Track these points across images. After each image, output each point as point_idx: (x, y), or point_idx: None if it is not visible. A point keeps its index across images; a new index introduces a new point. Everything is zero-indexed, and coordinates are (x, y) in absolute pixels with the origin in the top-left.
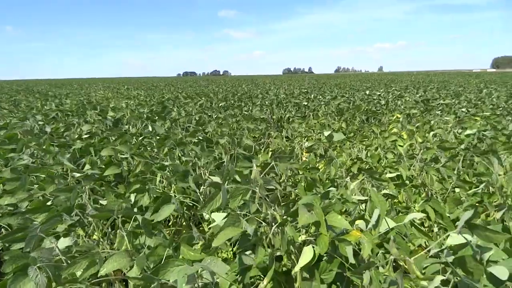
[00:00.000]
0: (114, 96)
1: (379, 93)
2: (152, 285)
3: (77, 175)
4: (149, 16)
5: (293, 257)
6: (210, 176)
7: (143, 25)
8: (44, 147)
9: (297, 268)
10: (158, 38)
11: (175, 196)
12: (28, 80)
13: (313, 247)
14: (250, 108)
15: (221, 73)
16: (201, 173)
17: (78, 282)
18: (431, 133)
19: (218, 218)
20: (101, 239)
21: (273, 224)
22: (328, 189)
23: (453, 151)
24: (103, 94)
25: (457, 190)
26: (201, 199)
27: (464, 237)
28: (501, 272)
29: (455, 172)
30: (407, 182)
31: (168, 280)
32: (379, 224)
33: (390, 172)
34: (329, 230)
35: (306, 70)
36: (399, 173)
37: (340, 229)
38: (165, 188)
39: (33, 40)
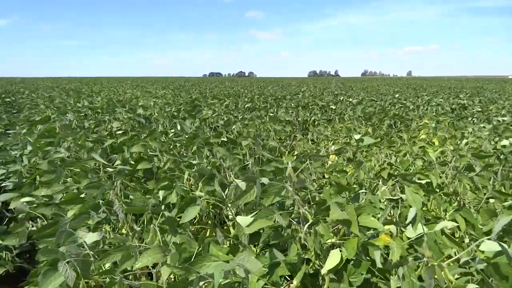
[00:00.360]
0: (142, 94)
1: (408, 98)
2: (190, 278)
3: (109, 170)
4: (176, 16)
5: (321, 258)
6: (234, 179)
7: (170, 25)
8: (79, 142)
9: (324, 270)
10: (185, 39)
11: (199, 197)
12: (62, 78)
13: (340, 250)
14: (276, 110)
15: (247, 74)
16: (226, 175)
17: (112, 275)
18: (464, 140)
19: (243, 221)
20: (130, 234)
21: (304, 223)
22: (358, 192)
23: (488, 161)
24: (132, 93)
25: (491, 200)
26: (226, 201)
27: (500, 244)
28: None
29: (490, 182)
30: (437, 190)
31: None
32: (416, 222)
33: (420, 179)
34: (361, 232)
35: (332, 73)
36: (429, 180)
37: (371, 233)
38: (192, 186)
39: (64, 38)
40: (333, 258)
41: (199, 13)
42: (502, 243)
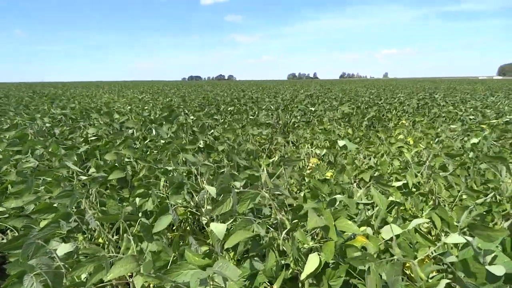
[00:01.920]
0: (119, 99)
1: (384, 99)
2: (167, 286)
3: (83, 178)
4: (155, 20)
5: (300, 263)
6: (205, 185)
7: (149, 29)
8: (50, 149)
9: (303, 276)
10: (164, 42)
11: (172, 205)
12: (36, 83)
13: (318, 254)
14: (256, 113)
15: (226, 77)
16: (198, 181)
17: (84, 287)
18: (436, 139)
19: (217, 228)
20: (107, 243)
21: (282, 229)
22: (334, 197)
23: (460, 159)
24: (109, 97)
25: (465, 197)
26: (200, 208)
27: (464, 238)
28: (497, 269)
29: (463, 180)
30: (414, 190)
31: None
32: (378, 220)
33: (397, 180)
34: (338, 236)
35: (311, 75)
36: (405, 181)
37: (347, 235)
38: (169, 193)
39: (39, 43)
40: (312, 263)
41: (178, 17)
42: (467, 237)
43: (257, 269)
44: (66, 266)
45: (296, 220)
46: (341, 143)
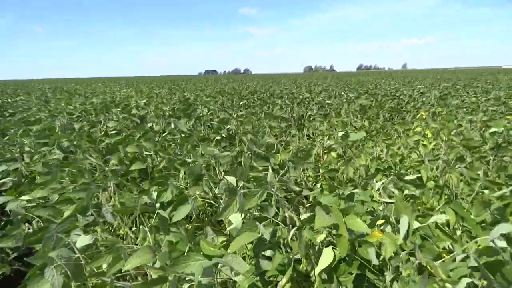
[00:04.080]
0: (137, 94)
1: (403, 91)
2: (170, 277)
3: (105, 169)
4: (171, 15)
5: (312, 258)
6: (225, 176)
7: (163, 24)
8: (75, 143)
9: (317, 271)
10: (179, 37)
11: (191, 196)
12: (56, 79)
13: (333, 248)
14: (271, 107)
15: (242, 71)
16: (216, 173)
17: (103, 277)
18: (454, 131)
19: (235, 220)
20: (128, 232)
21: (291, 226)
22: (352, 191)
23: (478, 150)
24: (126, 93)
25: (486, 191)
26: (218, 199)
27: (495, 244)
28: None
29: (481, 173)
30: (429, 184)
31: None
32: (409, 233)
33: (413, 173)
34: (349, 233)
35: (328, 67)
36: (419, 175)
37: (358, 232)
38: (188, 184)
39: (56, 39)
40: (326, 257)
41: (192, 11)
42: (501, 243)
43: (263, 267)
44: (86, 257)
45: (306, 218)
46: (340, 133)
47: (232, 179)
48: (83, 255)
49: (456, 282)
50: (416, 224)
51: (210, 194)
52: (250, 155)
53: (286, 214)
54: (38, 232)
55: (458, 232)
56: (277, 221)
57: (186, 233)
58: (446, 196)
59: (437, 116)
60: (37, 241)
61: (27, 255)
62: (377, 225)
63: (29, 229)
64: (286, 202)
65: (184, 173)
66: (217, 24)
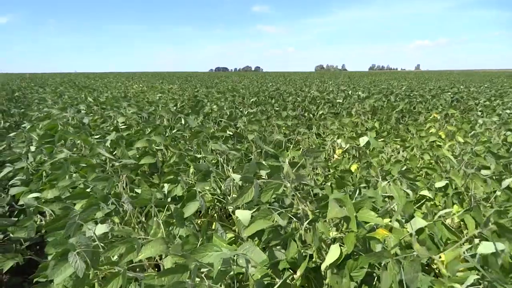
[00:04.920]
0: (148, 90)
1: (415, 92)
2: (190, 266)
3: (116, 164)
4: (183, 11)
5: (323, 253)
6: (231, 174)
7: (177, 20)
8: (82, 138)
9: (323, 266)
10: (191, 34)
11: (199, 192)
12: (69, 73)
13: (340, 245)
14: (281, 105)
15: (253, 69)
16: (224, 170)
17: (116, 266)
18: (472, 133)
19: (242, 215)
20: (137, 226)
21: (304, 219)
22: (359, 186)
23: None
24: (138, 88)
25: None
26: (226, 195)
27: (495, 246)
28: None
29: (506, 182)
30: (453, 191)
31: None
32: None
33: (427, 174)
34: (360, 227)
35: (340, 67)
36: (447, 181)
37: (371, 226)
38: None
39: (71, 34)
40: (333, 253)
41: (204, 8)
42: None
43: (278, 257)
44: (103, 246)
45: (319, 210)
46: (363, 140)
47: (237, 177)
48: (101, 244)
49: (461, 281)
50: (421, 223)
51: (218, 191)
52: (259, 152)
53: (300, 207)
54: (57, 220)
55: (476, 240)
56: (290, 215)
57: (197, 228)
58: (465, 202)
59: (450, 118)
60: (56, 229)
61: (39, 245)
62: (384, 223)
63: (41, 221)
64: (299, 195)
65: (194, 168)
66: (229, 22)
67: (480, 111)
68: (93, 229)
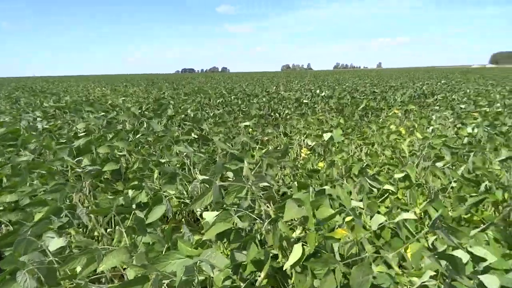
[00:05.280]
0: (112, 93)
1: (376, 89)
2: (152, 277)
3: (78, 170)
4: (146, 11)
5: (288, 253)
6: (199, 175)
7: (140, 21)
8: (44, 143)
9: (286, 266)
10: (155, 35)
11: (165, 196)
12: (26, 78)
13: (303, 244)
14: (247, 105)
15: (220, 69)
16: (191, 172)
17: (76, 279)
18: (430, 128)
19: (209, 217)
20: (102, 236)
21: (266, 220)
22: (323, 188)
23: (457, 148)
24: (101, 91)
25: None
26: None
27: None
28: (491, 281)
29: (459, 171)
30: (413, 182)
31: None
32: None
33: (389, 170)
34: (321, 226)
35: (305, 66)
36: (405, 173)
37: (333, 225)
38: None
39: (28, 36)
40: (295, 253)
41: (168, 8)
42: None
43: (239, 260)
44: (59, 260)
45: (279, 211)
46: (326, 135)
47: (204, 178)
48: (56, 259)
49: (420, 274)
50: (381, 219)
51: (185, 194)
52: (224, 155)
53: (262, 208)
54: (8, 235)
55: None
56: (253, 215)
57: (162, 234)
58: (424, 194)
59: (409, 113)
60: (7, 245)
61: None
62: (345, 222)
63: None
64: (261, 196)
65: (159, 173)
66: (195, 22)
67: (437, 105)
68: (47, 244)
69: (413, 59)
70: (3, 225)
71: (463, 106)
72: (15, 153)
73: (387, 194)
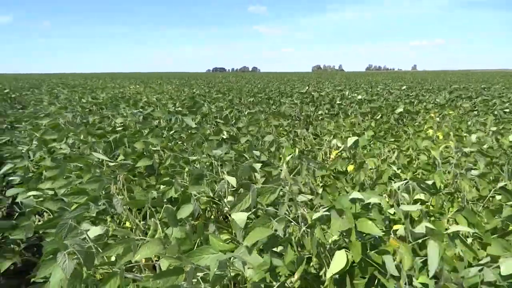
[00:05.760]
0: (145, 90)
1: (412, 92)
2: (186, 269)
3: (111, 164)
4: (179, 12)
5: (323, 258)
6: (226, 176)
7: (172, 21)
8: (82, 137)
9: (328, 274)
10: (188, 34)
11: (194, 195)
12: (66, 74)
13: (346, 251)
14: (278, 105)
15: (250, 69)
16: (218, 172)
17: (113, 267)
18: (473, 135)
19: (238, 218)
20: (134, 227)
21: (303, 224)
22: (360, 196)
23: (493, 157)
24: (135, 89)
25: (498, 197)
26: (222, 198)
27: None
28: None
29: (498, 179)
30: (440, 189)
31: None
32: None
33: (423, 175)
34: (359, 237)
35: (337, 67)
36: (433, 181)
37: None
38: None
39: (67, 35)
40: (339, 261)
41: (200, 9)
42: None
43: (275, 264)
44: (97, 247)
45: (318, 217)
46: (350, 140)
47: (232, 179)
48: (94, 244)
49: None
50: (431, 226)
51: (211, 194)
52: (252, 156)
53: (299, 212)
54: (51, 220)
55: (469, 240)
56: (290, 219)
57: (192, 230)
58: (458, 202)
59: (447, 118)
60: (50, 228)
61: (37, 246)
62: (392, 230)
63: (39, 221)
64: (298, 200)
65: (186, 173)
66: (226, 23)
67: (476, 110)
68: (86, 231)
69: (449, 61)
70: (45, 213)
71: (507, 110)
72: (54, 146)
73: (419, 203)
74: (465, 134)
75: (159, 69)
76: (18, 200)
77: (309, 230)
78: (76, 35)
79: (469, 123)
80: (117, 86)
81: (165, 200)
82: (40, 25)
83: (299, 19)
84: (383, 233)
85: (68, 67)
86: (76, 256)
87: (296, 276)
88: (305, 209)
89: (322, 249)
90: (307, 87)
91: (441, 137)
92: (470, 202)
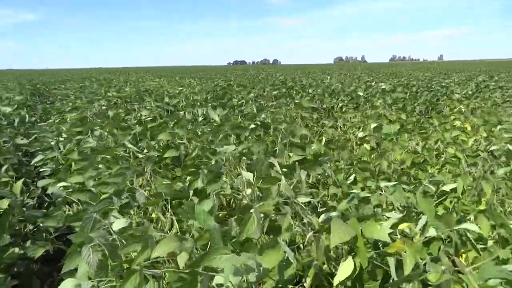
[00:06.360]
0: (168, 83)
1: (438, 83)
2: (199, 271)
3: (140, 156)
4: (197, 5)
5: (331, 264)
6: (243, 172)
7: (190, 14)
8: (107, 130)
9: (336, 282)
10: (206, 27)
11: (214, 191)
12: (92, 68)
13: (353, 258)
14: (301, 97)
15: (271, 61)
16: (234, 165)
17: (133, 263)
18: (498, 127)
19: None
20: (159, 218)
21: (310, 229)
22: (367, 196)
23: None
24: (159, 82)
25: None
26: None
27: None
28: None
29: None
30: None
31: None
32: (425, 232)
33: (450, 171)
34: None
35: (359, 58)
36: (455, 185)
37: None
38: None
39: (86, 30)
40: (345, 268)
41: (218, 1)
42: None
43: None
44: (121, 239)
45: (324, 224)
46: (373, 125)
47: (249, 175)
48: (118, 237)
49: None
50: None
51: (229, 190)
52: (285, 144)
53: (305, 220)
54: (78, 213)
55: (490, 242)
56: (297, 225)
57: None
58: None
59: (476, 110)
60: (76, 221)
61: (68, 235)
62: (398, 229)
63: (69, 211)
64: (304, 208)
65: (216, 161)
66: (245, 15)
67: (507, 101)
68: (111, 224)
69: (477, 51)
70: (74, 204)
71: None
72: (82, 139)
73: (445, 196)
74: (496, 127)
75: (179, 63)
76: (48, 191)
77: (315, 237)
78: (94, 30)
79: (501, 115)
80: (140, 80)
81: (191, 192)
82: (73, 19)
83: (320, 10)
84: None
85: (90, 62)
86: (101, 248)
87: (308, 280)
88: (312, 216)
89: (326, 257)
90: (328, 78)
91: (469, 128)
92: (495, 203)
